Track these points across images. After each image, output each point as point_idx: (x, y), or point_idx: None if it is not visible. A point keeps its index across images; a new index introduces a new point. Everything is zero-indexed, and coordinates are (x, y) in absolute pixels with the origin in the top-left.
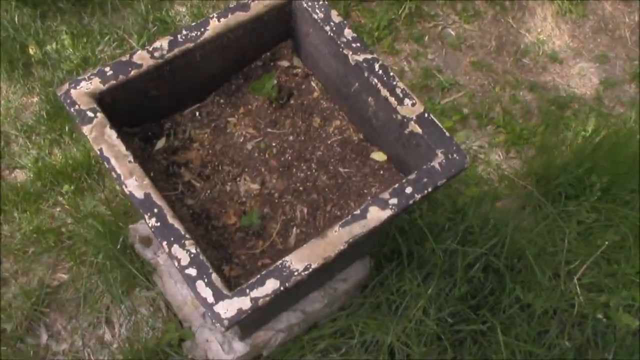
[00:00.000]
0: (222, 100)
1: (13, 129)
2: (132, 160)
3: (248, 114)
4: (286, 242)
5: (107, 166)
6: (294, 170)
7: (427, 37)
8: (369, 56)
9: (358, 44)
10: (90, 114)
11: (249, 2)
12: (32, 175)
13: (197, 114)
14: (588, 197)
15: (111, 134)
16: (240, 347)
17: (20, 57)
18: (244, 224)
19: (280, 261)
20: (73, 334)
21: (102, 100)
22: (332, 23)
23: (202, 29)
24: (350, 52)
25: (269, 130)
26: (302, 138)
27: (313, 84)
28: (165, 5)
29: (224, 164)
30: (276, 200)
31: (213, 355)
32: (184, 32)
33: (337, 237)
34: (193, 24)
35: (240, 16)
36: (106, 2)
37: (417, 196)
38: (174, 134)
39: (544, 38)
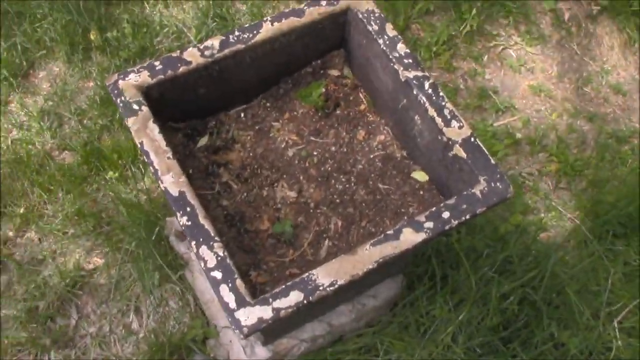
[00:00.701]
0: (268, 104)
1: (67, 111)
2: (171, 156)
3: (293, 120)
4: (317, 254)
5: (146, 160)
6: (333, 181)
7: (486, 57)
8: (420, 74)
9: (410, 60)
10: (135, 106)
11: (305, 8)
12: (79, 158)
13: (243, 115)
14: (637, 237)
15: (153, 128)
16: (262, 352)
17: (81, 41)
18: (276, 231)
19: (306, 274)
20: (102, 318)
21: (149, 94)
22: (386, 36)
23: (255, 32)
24: (401, 68)
25: (312, 138)
26: (345, 150)
27: (361, 95)
28: (227, 3)
29: (264, 168)
30: (311, 210)
31: (235, 357)
32: (236, 33)
33: (367, 256)
34: (246, 25)
35: (294, 22)
36: None
37: (454, 222)
38: (217, 133)
39: (609, 68)
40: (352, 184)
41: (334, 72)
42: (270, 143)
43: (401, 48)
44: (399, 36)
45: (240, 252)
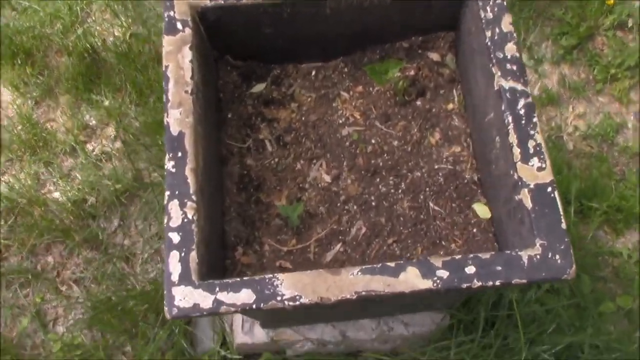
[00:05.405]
0: (346, 69)
1: None
2: (190, 91)
3: (364, 95)
4: (322, 255)
5: (163, 86)
6: (378, 180)
7: None
8: (519, 87)
9: (514, 67)
10: (179, 25)
11: None
12: None
13: (314, 72)
14: None
15: (186, 54)
16: (260, 334)
17: None
18: (281, 210)
19: (270, 275)
20: (139, 235)
21: (205, 17)
22: (497, 30)
23: None
24: (499, 73)
25: (376, 123)
26: (408, 149)
27: (455, 93)
28: None
29: (309, 139)
30: (339, 204)
31: (235, 327)
32: None
33: (350, 282)
34: None
35: None
36: None
37: (477, 283)
38: (277, 84)
39: None
40: (399, 191)
41: (434, 56)
42: (328, 113)
43: (509, 49)
44: (514, 34)
45: (238, 221)
